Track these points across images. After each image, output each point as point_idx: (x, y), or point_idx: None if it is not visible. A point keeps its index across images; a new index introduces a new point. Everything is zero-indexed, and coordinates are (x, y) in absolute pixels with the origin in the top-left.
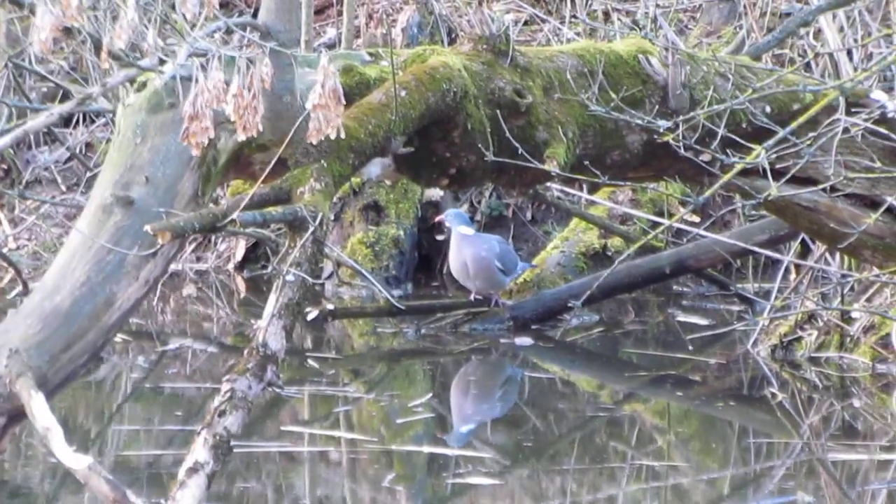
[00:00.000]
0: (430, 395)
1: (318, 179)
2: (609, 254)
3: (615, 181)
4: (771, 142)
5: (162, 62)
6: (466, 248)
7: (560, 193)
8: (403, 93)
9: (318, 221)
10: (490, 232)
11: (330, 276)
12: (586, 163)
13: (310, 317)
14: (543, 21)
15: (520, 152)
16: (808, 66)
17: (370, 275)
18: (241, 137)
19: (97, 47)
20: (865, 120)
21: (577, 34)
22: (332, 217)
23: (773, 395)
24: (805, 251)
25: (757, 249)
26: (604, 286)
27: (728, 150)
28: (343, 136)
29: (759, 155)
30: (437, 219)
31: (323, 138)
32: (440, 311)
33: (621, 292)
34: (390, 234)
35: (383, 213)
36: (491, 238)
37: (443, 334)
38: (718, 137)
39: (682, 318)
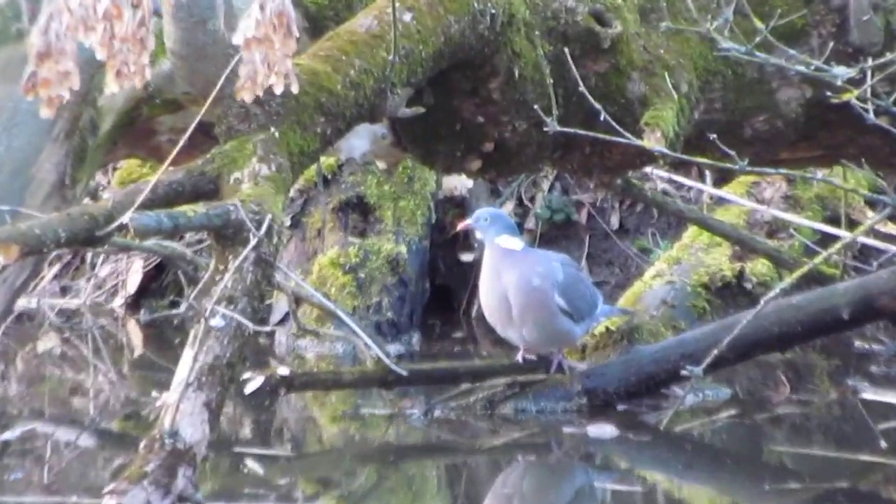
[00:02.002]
0: None
1: (264, 159)
2: (748, 286)
3: (759, 166)
4: None
5: None
6: (509, 273)
7: (667, 186)
8: (408, 17)
9: (263, 229)
10: (550, 247)
11: (283, 321)
12: (711, 136)
13: (250, 388)
14: None
15: (602, 117)
16: None
17: (351, 318)
18: (115, 89)
19: None
20: None
21: None
22: (288, 222)
23: None
24: None
25: None
26: (740, 341)
27: None
28: (296, 90)
29: None
30: (461, 225)
31: (261, 94)
32: (465, 379)
33: (768, 351)
34: (384, 250)
35: (373, 217)
36: (550, 257)
37: (470, 419)
38: None
39: (868, 394)
